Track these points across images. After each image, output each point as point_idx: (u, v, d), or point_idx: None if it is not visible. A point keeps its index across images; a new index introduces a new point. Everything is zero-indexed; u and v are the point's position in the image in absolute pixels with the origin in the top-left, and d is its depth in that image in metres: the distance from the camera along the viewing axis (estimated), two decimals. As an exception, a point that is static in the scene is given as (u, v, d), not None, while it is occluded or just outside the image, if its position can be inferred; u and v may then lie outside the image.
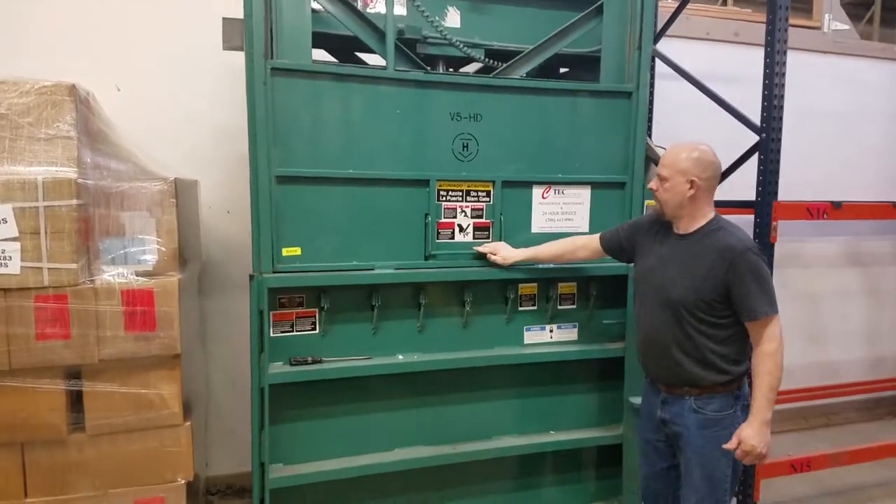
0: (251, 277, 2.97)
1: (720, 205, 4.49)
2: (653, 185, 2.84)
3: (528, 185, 3.37)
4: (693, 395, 2.76)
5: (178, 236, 3.07)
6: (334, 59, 3.60)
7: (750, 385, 2.74)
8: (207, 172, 4.01)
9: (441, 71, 3.34)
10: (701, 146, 2.80)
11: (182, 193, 3.18)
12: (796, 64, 4.29)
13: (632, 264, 3.13)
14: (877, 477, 4.71)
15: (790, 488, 4.54)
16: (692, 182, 2.71)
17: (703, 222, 2.77)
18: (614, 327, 3.59)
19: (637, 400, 3.47)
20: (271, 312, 3.04)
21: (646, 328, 2.88)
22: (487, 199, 3.31)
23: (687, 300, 2.68)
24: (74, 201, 2.79)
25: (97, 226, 2.95)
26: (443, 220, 3.25)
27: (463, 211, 3.28)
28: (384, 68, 3.10)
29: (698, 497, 2.78)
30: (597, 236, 3.21)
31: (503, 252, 3.28)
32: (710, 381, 2.72)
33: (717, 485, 2.76)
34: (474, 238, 3.31)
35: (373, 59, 3.42)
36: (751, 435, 2.61)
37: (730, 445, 2.65)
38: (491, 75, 3.29)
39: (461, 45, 3.21)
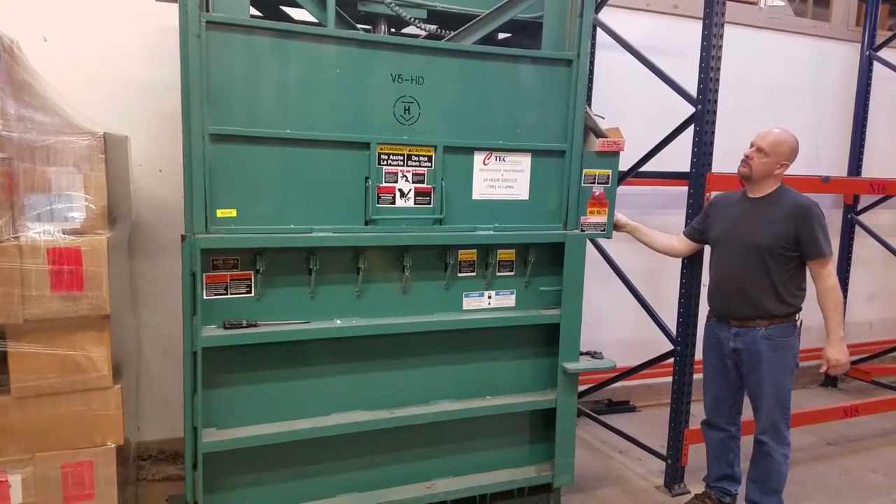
0: (183, 238, 2.90)
1: (655, 176, 4.61)
2: (750, 153, 3.56)
3: (470, 150, 3.36)
4: (763, 325, 3.54)
5: (107, 193, 2.97)
6: (259, 13, 3.50)
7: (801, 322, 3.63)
8: (139, 129, 3.88)
9: (382, 31, 3.29)
10: (793, 136, 3.58)
11: (112, 149, 3.07)
12: (733, 38, 4.37)
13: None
14: (799, 442, 4.92)
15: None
16: (784, 165, 3.55)
17: (774, 188, 3.58)
18: (551, 294, 3.63)
19: (572, 366, 3.57)
20: (204, 274, 2.98)
21: (728, 273, 3.64)
22: (429, 165, 3.29)
23: (769, 244, 3.48)
24: (-3, 154, 2.67)
25: (22, 181, 2.82)
26: (383, 185, 3.22)
27: (404, 175, 3.26)
28: (323, 26, 3.04)
29: (768, 407, 3.58)
30: (681, 236, 3.97)
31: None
32: (778, 312, 3.52)
33: (783, 397, 3.59)
34: (415, 204, 3.29)
35: (299, 14, 3.33)
36: (831, 352, 3.51)
37: (822, 369, 3.57)
38: (444, 40, 3.26)
39: (395, 6, 3.16)
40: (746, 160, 3.58)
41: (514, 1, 3.35)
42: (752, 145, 3.58)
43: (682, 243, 3.95)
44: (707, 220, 3.81)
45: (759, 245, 3.49)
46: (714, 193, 3.95)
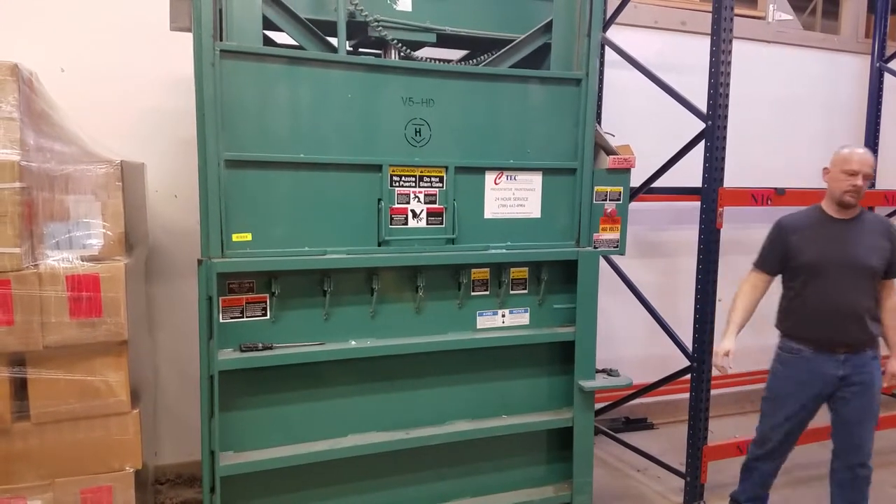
0: (199, 262, 2.93)
1: (666, 191, 4.61)
2: (862, 183, 3.37)
3: (481, 170, 3.39)
4: (870, 346, 3.47)
5: (124, 220, 3.02)
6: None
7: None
8: (154, 156, 3.95)
9: (393, 55, 3.33)
10: None
11: (128, 177, 3.13)
12: (741, 53, 4.38)
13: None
14: (820, 457, 4.83)
15: (737, 469, 4.60)
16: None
17: (861, 208, 3.51)
18: (565, 311, 3.63)
19: (588, 384, 3.56)
20: (221, 298, 3.00)
21: (839, 298, 3.41)
22: (440, 185, 3.32)
23: (876, 266, 3.40)
24: (17, 184, 2.73)
25: (41, 210, 2.89)
26: (396, 206, 3.25)
27: (416, 196, 3.28)
28: (334, 51, 3.09)
29: (869, 432, 3.52)
30: (758, 274, 3.69)
31: (719, 349, 3.67)
32: (877, 333, 3.48)
33: (877, 412, 3.54)
34: (428, 224, 3.32)
35: (280, 38, 3.36)
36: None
37: (886, 379, 3.52)
38: (482, 65, 3.34)
39: (380, 28, 3.21)
40: (857, 190, 3.36)
41: (542, 30, 3.43)
42: (854, 173, 3.33)
43: (763, 283, 3.69)
44: (788, 247, 3.53)
45: (873, 267, 3.39)
46: (783, 218, 3.65)
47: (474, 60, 3.48)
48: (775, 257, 3.60)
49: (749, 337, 5.84)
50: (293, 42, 3.15)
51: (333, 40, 3.14)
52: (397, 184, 3.23)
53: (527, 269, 3.56)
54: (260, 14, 2.96)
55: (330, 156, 3.10)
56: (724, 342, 3.66)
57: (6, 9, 3.70)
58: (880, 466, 4.83)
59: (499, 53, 3.39)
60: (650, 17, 5.25)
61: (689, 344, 4.20)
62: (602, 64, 4.93)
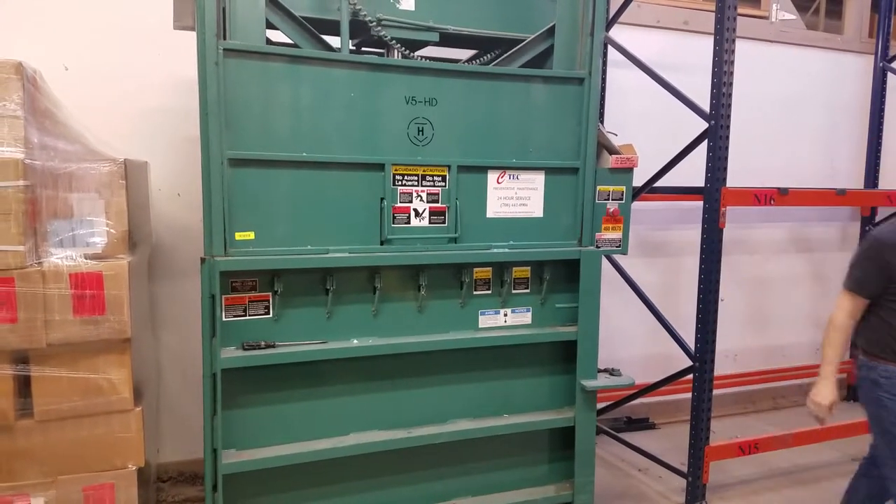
0: (202, 261, 2.94)
1: (669, 191, 4.61)
2: None
3: (483, 169, 3.39)
4: None
5: (127, 218, 3.03)
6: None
7: None
8: (158, 154, 3.96)
9: (396, 54, 3.33)
10: None
11: (132, 175, 3.13)
12: (744, 52, 4.38)
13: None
14: (822, 458, 4.86)
15: (739, 469, 4.67)
16: None
17: None
18: (567, 311, 3.63)
19: (590, 383, 3.57)
20: (223, 296, 3.01)
21: None
22: (443, 184, 3.32)
23: None
24: (21, 182, 2.73)
25: (45, 207, 2.90)
26: (398, 205, 3.25)
27: (419, 195, 3.29)
28: (337, 51, 3.10)
29: None
30: (855, 300, 3.24)
31: (824, 400, 3.26)
32: None
33: None
34: (430, 223, 3.32)
35: (278, 36, 3.36)
36: None
37: None
38: (490, 65, 3.34)
39: (377, 28, 3.20)
40: None
41: (547, 32, 3.44)
42: None
43: (861, 310, 3.27)
44: (890, 263, 3.16)
45: None
46: (880, 234, 3.33)
47: (479, 60, 3.48)
48: (878, 279, 3.19)
49: (751, 337, 5.91)
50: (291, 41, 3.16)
51: (334, 40, 3.15)
52: (400, 183, 3.23)
53: (529, 268, 3.56)
54: (263, 13, 2.96)
55: (333, 155, 3.11)
56: (826, 391, 3.27)
57: (9, 7, 3.71)
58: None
59: (505, 56, 3.40)
60: (653, 16, 5.25)
61: (691, 344, 4.20)
62: (605, 63, 4.92)
